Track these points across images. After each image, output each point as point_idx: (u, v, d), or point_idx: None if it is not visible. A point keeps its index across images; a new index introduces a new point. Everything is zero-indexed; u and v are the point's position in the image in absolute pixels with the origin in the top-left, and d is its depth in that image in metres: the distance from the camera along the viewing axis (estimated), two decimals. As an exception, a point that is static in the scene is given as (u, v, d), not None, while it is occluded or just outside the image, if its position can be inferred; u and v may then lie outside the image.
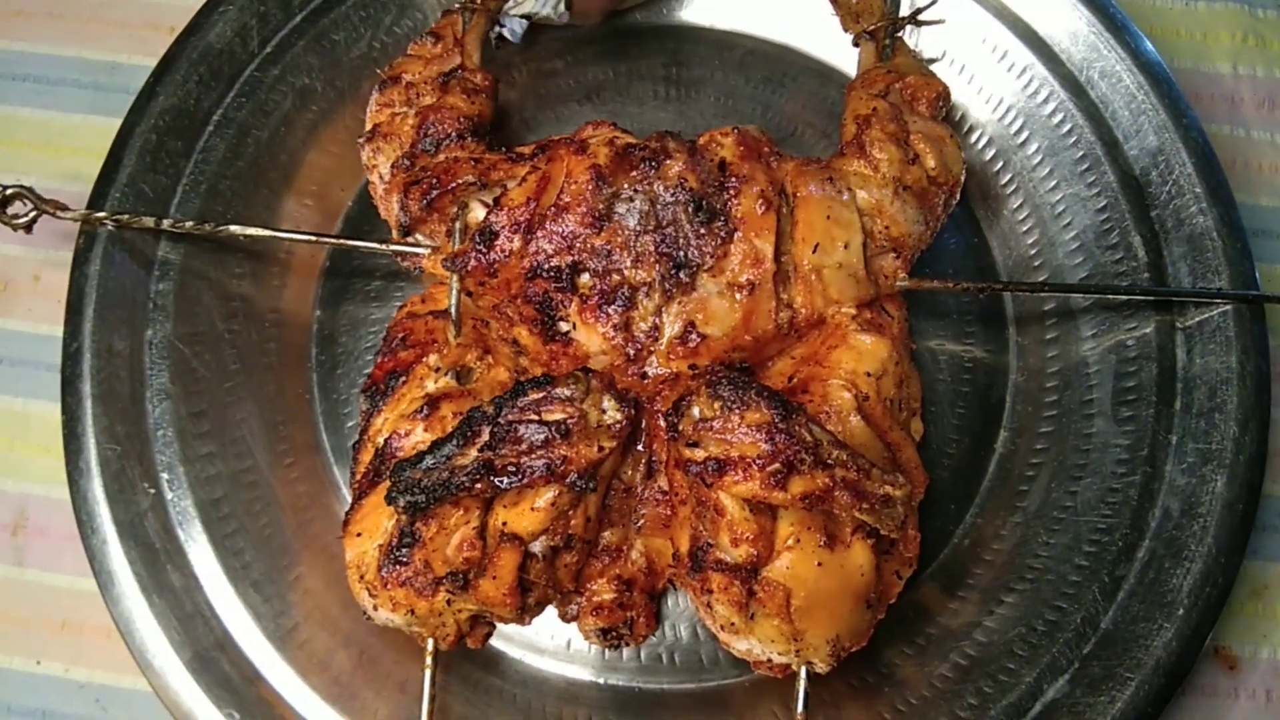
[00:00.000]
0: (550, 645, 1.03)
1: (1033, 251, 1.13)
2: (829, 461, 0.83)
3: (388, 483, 0.86)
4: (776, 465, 0.81)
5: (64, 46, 1.29)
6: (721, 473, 0.83)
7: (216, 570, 0.99)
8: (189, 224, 1.03)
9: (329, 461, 1.09)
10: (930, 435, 1.07)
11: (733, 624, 0.87)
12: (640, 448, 0.95)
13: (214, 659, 0.96)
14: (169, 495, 1.00)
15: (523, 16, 1.16)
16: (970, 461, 1.08)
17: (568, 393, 0.85)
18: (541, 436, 0.83)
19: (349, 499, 0.96)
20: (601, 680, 1.02)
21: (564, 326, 0.96)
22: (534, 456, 0.83)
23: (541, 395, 0.84)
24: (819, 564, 0.85)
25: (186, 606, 0.97)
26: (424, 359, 0.95)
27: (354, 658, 0.99)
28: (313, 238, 1.06)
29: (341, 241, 1.07)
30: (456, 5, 1.14)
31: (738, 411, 0.83)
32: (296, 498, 1.06)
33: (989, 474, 1.08)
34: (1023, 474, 1.06)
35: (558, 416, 0.84)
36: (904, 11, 1.14)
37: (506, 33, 1.19)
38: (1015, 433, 1.09)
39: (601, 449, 0.85)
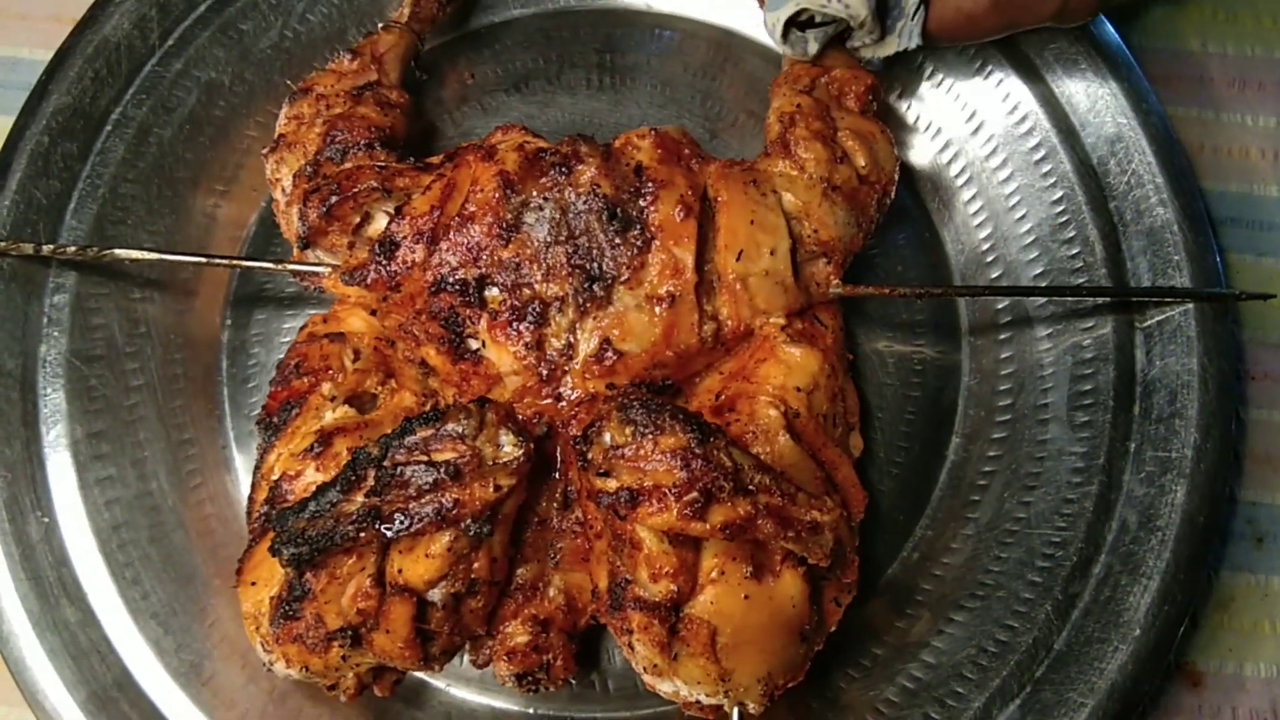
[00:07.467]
0: (475, 673, 0.98)
1: (986, 246, 1.08)
2: (750, 488, 0.78)
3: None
4: (694, 494, 0.76)
5: (-40, 40, 1.22)
6: (635, 504, 0.78)
7: (116, 603, 0.95)
8: (71, 249, 0.98)
9: (239, 480, 1.04)
10: (878, 443, 1.03)
11: (655, 665, 0.82)
12: (556, 475, 0.90)
13: (112, 698, 0.92)
14: (63, 523, 0.96)
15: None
16: (920, 470, 1.03)
17: (458, 429, 0.78)
18: (430, 479, 0.77)
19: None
20: (531, 710, 0.98)
21: (473, 344, 0.91)
22: (422, 501, 0.77)
23: (430, 433, 0.78)
24: (745, 597, 0.80)
25: (82, 642, 0.93)
26: (318, 388, 0.90)
27: (265, 693, 0.94)
28: (203, 260, 0.99)
29: (236, 262, 1.00)
30: (380, 25, 1.10)
31: (651, 436, 0.78)
32: (204, 521, 1.01)
33: (940, 483, 1.03)
34: (974, 483, 1.02)
35: (447, 456, 0.78)
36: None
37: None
38: (967, 439, 1.04)
39: (499, 488, 0.78)
